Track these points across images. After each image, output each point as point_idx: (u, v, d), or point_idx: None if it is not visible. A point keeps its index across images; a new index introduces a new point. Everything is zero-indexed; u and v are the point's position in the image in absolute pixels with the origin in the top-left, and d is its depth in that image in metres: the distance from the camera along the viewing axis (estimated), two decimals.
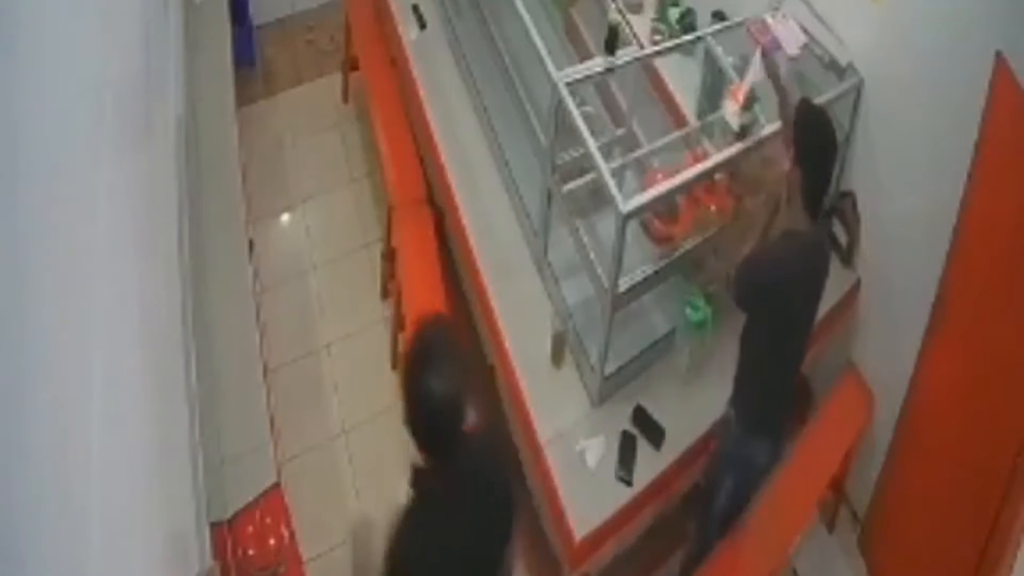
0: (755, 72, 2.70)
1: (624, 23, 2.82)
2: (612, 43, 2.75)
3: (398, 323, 3.64)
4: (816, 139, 2.43)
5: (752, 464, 2.70)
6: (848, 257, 3.25)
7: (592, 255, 2.74)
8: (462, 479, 1.99)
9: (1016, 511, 2.52)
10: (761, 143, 2.75)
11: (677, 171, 2.68)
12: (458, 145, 3.51)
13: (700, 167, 2.68)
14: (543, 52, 2.79)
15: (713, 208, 2.82)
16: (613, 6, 2.80)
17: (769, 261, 2.49)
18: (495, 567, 2.13)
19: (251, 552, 2.45)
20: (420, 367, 1.86)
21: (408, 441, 1.92)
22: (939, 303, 2.86)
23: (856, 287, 3.25)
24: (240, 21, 4.45)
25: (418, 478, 1.96)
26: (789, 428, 2.77)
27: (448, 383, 1.85)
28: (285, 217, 4.34)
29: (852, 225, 3.19)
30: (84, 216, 1.67)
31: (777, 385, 2.62)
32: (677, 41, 3.10)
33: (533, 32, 2.87)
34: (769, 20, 3.04)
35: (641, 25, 3.51)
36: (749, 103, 2.70)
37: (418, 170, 3.74)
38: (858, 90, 3.00)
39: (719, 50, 2.95)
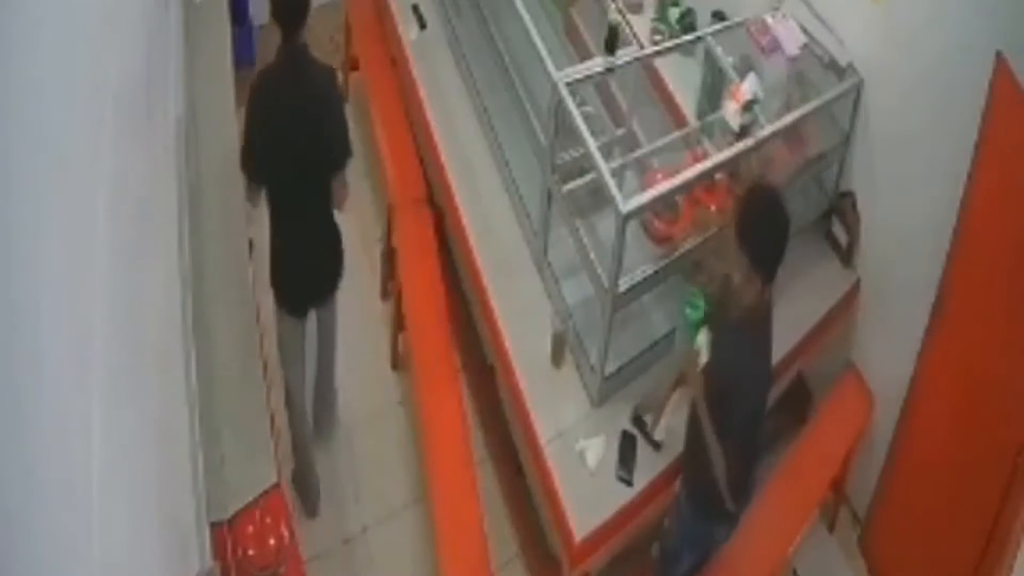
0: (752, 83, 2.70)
1: (624, 23, 2.83)
2: (612, 43, 2.76)
3: (398, 323, 3.64)
4: (765, 228, 2.27)
5: (707, 540, 2.68)
6: (848, 257, 3.25)
7: (592, 255, 2.74)
8: (305, 65, 2.89)
9: (1016, 511, 2.52)
10: (761, 143, 2.75)
11: (677, 171, 2.68)
12: (458, 145, 3.51)
13: (700, 167, 2.69)
14: (543, 52, 2.79)
15: (713, 208, 2.82)
16: (613, 6, 2.81)
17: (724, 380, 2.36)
18: (324, 164, 2.96)
19: (251, 552, 2.45)
20: None
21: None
22: (939, 303, 2.86)
23: (856, 287, 3.25)
24: (240, 21, 4.45)
25: (277, 52, 2.85)
26: (744, 503, 2.55)
27: None
28: None
29: (852, 225, 3.19)
30: (83, 216, 1.66)
31: (726, 465, 2.40)
32: (677, 41, 3.10)
33: (533, 32, 2.87)
34: (769, 20, 3.05)
35: (641, 25, 3.51)
36: (749, 104, 2.70)
37: (418, 170, 3.74)
38: (858, 90, 3.01)
39: (719, 50, 2.95)
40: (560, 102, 2.70)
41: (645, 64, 3.03)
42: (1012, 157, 2.51)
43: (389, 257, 3.87)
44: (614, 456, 2.76)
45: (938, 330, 2.90)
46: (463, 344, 3.54)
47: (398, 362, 3.79)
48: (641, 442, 2.80)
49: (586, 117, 2.74)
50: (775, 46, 3.01)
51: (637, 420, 2.82)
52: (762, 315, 2.38)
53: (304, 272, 3.13)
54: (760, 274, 2.27)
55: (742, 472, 2.40)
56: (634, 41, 2.87)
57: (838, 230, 3.26)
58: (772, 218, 2.28)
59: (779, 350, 2.96)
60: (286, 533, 2.53)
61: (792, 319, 3.05)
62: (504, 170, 3.35)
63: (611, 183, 2.55)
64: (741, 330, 2.38)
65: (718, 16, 3.36)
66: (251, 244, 3.22)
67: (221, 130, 3.48)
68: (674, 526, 2.74)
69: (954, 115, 2.63)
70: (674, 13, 3.52)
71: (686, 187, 2.69)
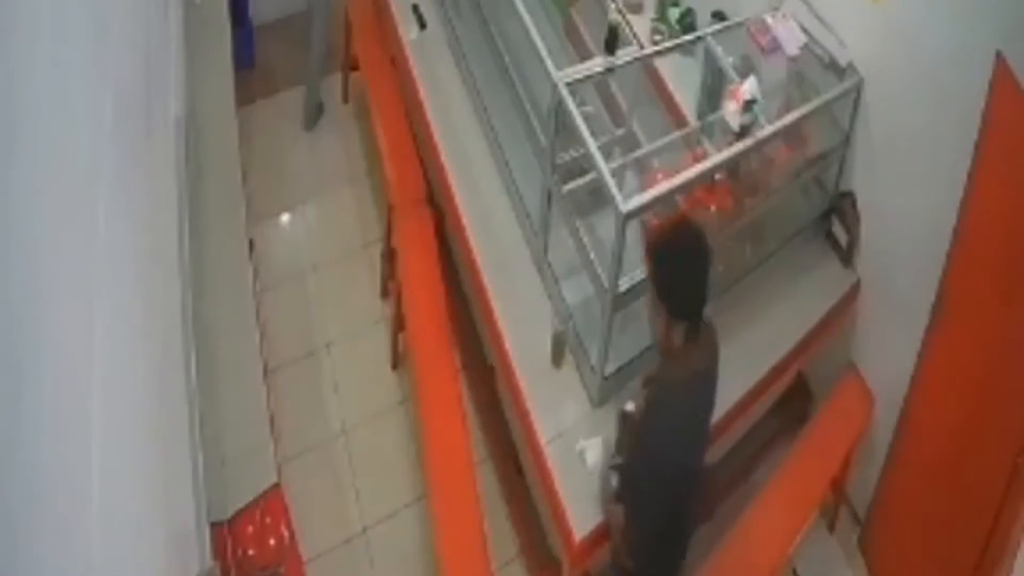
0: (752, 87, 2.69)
1: (624, 23, 2.82)
2: (612, 43, 2.75)
3: (398, 323, 3.64)
4: (678, 266, 2.05)
5: None
6: (848, 257, 3.25)
7: (592, 255, 2.74)
8: None
9: (1016, 511, 2.52)
10: (761, 143, 2.75)
11: (677, 171, 2.68)
12: (458, 145, 3.51)
13: (700, 167, 2.68)
14: (543, 52, 2.79)
15: (713, 208, 2.82)
16: (613, 6, 2.80)
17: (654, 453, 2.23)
18: None
19: (251, 552, 2.45)
20: None
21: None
22: (939, 303, 2.86)
23: (856, 287, 3.25)
24: (240, 21, 4.45)
25: None
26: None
27: None
28: (285, 217, 4.34)
29: (852, 225, 3.19)
30: (84, 217, 1.67)
31: (624, 525, 2.33)
32: (677, 41, 3.10)
33: (533, 32, 2.86)
34: (769, 20, 3.04)
35: (641, 25, 3.51)
36: (749, 104, 2.70)
37: (418, 170, 3.74)
38: (858, 90, 3.00)
39: (719, 50, 2.95)
40: (560, 102, 2.70)
41: (645, 64, 3.03)
42: (1012, 157, 2.51)
43: (389, 257, 3.87)
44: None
45: (938, 330, 2.90)
46: (463, 344, 3.54)
47: (398, 362, 3.79)
48: None
49: (586, 117, 2.73)
50: (775, 46, 3.01)
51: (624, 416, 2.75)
52: (683, 371, 2.12)
53: None
54: (678, 321, 2.03)
55: (643, 540, 2.24)
56: (634, 41, 2.86)
57: (838, 230, 3.26)
58: (685, 254, 2.04)
59: (779, 350, 2.98)
60: (286, 533, 2.53)
61: (792, 319, 3.06)
62: (504, 170, 3.35)
63: (611, 183, 2.55)
64: (661, 382, 2.20)
65: (718, 16, 3.36)
66: (251, 244, 3.22)
67: (221, 130, 3.48)
68: None
69: (954, 115, 2.62)
70: (674, 13, 3.52)
71: (686, 187, 2.69)
